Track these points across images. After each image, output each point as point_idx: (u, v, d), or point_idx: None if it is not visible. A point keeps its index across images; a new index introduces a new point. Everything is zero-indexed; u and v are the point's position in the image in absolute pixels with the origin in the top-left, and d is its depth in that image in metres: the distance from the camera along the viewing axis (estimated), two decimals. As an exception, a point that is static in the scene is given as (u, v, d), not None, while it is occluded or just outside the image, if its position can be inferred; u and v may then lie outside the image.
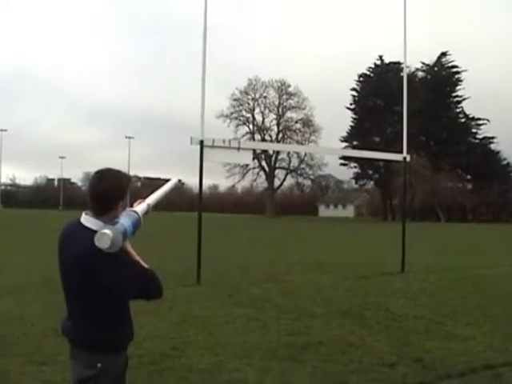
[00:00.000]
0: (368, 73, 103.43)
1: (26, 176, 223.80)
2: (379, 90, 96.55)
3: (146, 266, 3.36)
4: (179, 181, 3.83)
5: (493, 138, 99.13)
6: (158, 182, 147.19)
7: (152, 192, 3.74)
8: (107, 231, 3.01)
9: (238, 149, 15.84)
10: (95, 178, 3.40)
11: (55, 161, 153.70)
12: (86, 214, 3.39)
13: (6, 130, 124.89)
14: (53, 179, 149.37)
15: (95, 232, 3.09)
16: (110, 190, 3.36)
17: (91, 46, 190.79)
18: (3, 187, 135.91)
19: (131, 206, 3.52)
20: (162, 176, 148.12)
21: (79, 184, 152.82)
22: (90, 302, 3.30)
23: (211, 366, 7.08)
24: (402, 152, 18.70)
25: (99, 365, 3.30)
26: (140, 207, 3.47)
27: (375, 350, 7.93)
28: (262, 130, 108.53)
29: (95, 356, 3.32)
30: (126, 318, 3.48)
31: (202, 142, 15.05)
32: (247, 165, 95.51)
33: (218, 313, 10.64)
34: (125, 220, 3.18)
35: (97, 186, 3.36)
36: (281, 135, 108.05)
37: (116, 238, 3.02)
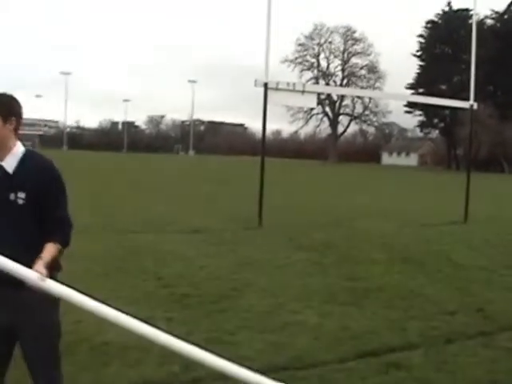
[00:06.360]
0: (436, 19, 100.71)
1: (91, 119, 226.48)
2: (447, 37, 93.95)
3: None
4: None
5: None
6: (221, 127, 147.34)
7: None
8: None
9: (303, 92, 15.70)
10: None
11: (120, 104, 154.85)
12: None
13: (70, 74, 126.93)
14: (117, 122, 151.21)
15: None
16: None
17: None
18: (68, 129, 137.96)
19: None
20: (227, 120, 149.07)
21: (143, 127, 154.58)
22: None
23: (271, 308, 7.15)
24: (468, 100, 18.30)
25: None
26: None
27: (435, 298, 7.89)
28: (326, 75, 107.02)
29: None
30: None
31: (266, 85, 14.98)
32: (311, 109, 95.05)
33: (278, 256, 10.72)
34: None
35: None
36: (345, 81, 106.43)
37: None
